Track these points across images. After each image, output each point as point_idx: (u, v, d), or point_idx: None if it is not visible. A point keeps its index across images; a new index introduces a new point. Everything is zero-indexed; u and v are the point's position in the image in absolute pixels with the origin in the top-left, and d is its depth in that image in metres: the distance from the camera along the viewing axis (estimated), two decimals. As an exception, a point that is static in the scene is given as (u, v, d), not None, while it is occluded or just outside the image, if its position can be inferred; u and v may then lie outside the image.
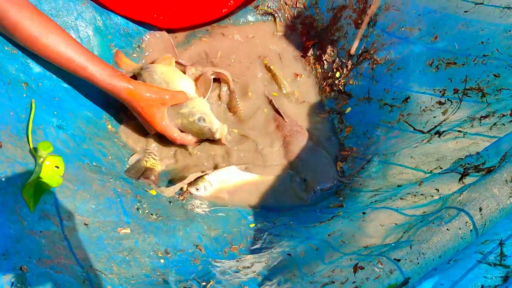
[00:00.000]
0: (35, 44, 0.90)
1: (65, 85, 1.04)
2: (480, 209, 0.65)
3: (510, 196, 0.65)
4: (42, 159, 0.78)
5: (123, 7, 1.22)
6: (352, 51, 1.23)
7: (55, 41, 0.92)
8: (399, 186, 0.93)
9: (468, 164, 0.79)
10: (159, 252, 0.85)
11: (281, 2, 1.43)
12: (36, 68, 0.97)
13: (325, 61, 1.32)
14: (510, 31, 0.91)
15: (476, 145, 0.86)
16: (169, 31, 1.36)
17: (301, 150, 1.18)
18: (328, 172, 1.15)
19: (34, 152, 0.80)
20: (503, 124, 0.84)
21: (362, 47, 1.22)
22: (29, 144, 0.82)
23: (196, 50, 1.36)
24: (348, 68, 1.25)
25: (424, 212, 0.76)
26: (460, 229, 0.65)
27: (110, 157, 1.04)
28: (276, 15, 1.43)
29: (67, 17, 1.08)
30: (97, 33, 1.16)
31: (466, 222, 0.65)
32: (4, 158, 0.75)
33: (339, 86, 1.26)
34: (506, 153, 0.72)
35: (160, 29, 1.34)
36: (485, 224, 0.65)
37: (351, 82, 1.24)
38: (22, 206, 0.71)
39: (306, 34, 1.40)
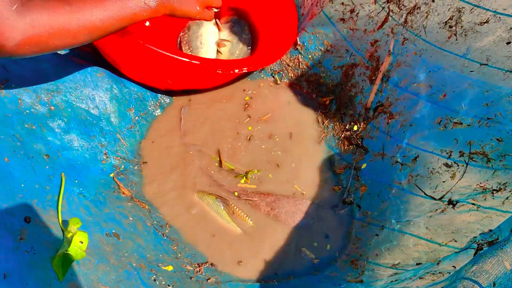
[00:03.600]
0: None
1: (84, 153, 1.18)
2: (494, 284, 0.72)
3: None
4: (71, 233, 0.90)
5: (137, 74, 1.37)
6: (368, 104, 1.34)
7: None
8: (418, 264, 1.00)
9: (482, 240, 0.87)
10: (183, 320, 0.95)
11: (284, 64, 1.56)
12: (55, 140, 1.11)
13: (343, 115, 1.42)
14: None
15: (489, 219, 0.94)
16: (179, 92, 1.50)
17: (293, 213, 1.28)
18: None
19: (62, 226, 0.93)
20: None
21: (378, 101, 1.32)
22: (58, 217, 0.95)
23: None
24: (365, 122, 1.35)
25: (442, 287, 0.83)
26: None
27: (131, 218, 1.16)
28: (277, 76, 1.57)
29: (85, 88, 1.23)
30: (114, 100, 1.31)
31: None
32: (33, 232, 0.87)
33: (357, 140, 1.36)
34: None
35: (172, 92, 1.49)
36: None
37: (368, 136, 1.33)
38: (53, 279, 0.83)
39: (316, 91, 1.51)
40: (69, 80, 1.19)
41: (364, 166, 1.32)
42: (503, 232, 0.84)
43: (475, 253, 0.86)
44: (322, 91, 1.50)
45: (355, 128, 1.37)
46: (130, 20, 0.97)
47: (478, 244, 0.87)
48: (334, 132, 1.42)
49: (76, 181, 1.10)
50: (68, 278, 0.86)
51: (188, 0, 1.08)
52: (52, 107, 1.13)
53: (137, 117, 1.38)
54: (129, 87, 1.37)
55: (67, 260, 0.87)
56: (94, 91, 1.25)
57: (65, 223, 0.95)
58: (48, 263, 0.85)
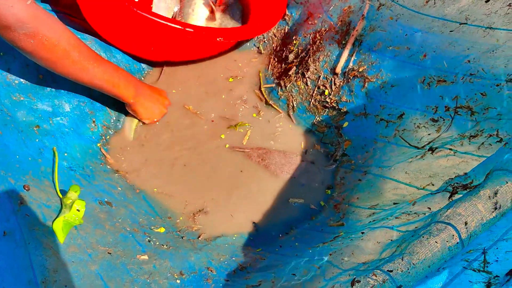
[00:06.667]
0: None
1: (74, 119, 1.24)
2: (466, 223, 0.78)
3: (493, 211, 0.78)
4: (70, 200, 0.95)
5: (125, 43, 1.40)
6: (338, 69, 1.37)
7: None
8: (395, 203, 1.07)
9: (457, 183, 0.92)
10: (175, 274, 1.02)
11: (270, 34, 1.60)
12: (45, 107, 1.17)
13: (308, 79, 1.45)
14: (493, 51, 1.05)
15: (465, 163, 1.00)
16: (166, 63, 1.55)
17: (282, 165, 1.36)
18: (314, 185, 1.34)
19: (60, 193, 1.00)
20: (490, 144, 0.99)
21: (349, 65, 1.35)
22: (55, 186, 1.02)
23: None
24: (337, 86, 1.39)
25: (416, 227, 0.89)
26: (447, 241, 0.78)
27: (119, 188, 1.22)
28: (261, 46, 1.62)
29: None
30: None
31: (453, 235, 0.78)
32: (32, 199, 0.93)
33: (332, 104, 1.40)
34: (490, 171, 0.86)
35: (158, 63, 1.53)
36: (470, 236, 0.77)
37: (344, 100, 1.37)
38: (54, 241, 0.89)
39: (285, 59, 1.54)
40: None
41: (346, 124, 1.37)
42: (477, 176, 0.89)
43: (450, 196, 0.91)
44: (289, 58, 1.53)
45: (326, 93, 1.41)
46: (108, 84, 1.16)
47: (453, 188, 0.92)
48: (301, 96, 1.46)
49: (66, 154, 1.16)
50: (68, 242, 0.92)
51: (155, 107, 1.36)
52: (41, 76, 1.17)
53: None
54: (117, 56, 1.41)
55: (67, 225, 0.93)
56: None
57: (63, 192, 1.02)
58: (48, 227, 0.91)
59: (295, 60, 1.50)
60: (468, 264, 0.72)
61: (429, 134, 1.15)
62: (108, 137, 1.34)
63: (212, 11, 1.58)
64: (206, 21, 1.60)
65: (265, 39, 1.61)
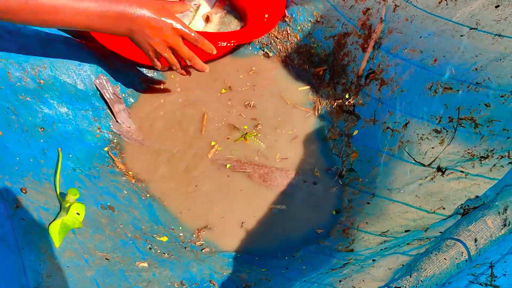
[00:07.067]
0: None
1: (78, 126, 1.22)
2: (475, 240, 0.76)
3: (502, 228, 0.76)
4: (69, 203, 0.94)
5: (125, 50, 1.38)
6: (360, 72, 1.38)
7: None
8: (406, 231, 1.05)
9: (468, 206, 0.90)
10: (175, 284, 1.00)
11: (272, 36, 1.59)
12: (50, 112, 1.15)
13: (336, 84, 1.45)
14: (500, 60, 1.03)
15: (477, 186, 0.98)
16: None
17: (284, 186, 1.32)
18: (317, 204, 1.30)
19: (60, 197, 0.98)
20: (502, 166, 0.97)
21: (369, 68, 1.35)
22: (56, 189, 1.00)
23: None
24: (357, 89, 1.39)
25: (426, 249, 0.87)
26: (456, 259, 0.76)
27: (125, 192, 1.20)
28: (267, 49, 1.61)
29: (70, 63, 1.26)
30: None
31: (462, 253, 0.76)
32: (29, 202, 0.92)
33: (349, 108, 1.40)
34: (502, 188, 0.84)
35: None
36: (479, 253, 0.76)
37: (360, 103, 1.37)
38: (49, 246, 0.88)
39: (309, 63, 1.54)
40: (55, 55, 1.23)
41: (355, 132, 1.35)
42: (488, 198, 0.87)
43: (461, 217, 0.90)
44: (314, 61, 1.53)
45: (347, 96, 1.41)
46: (87, 17, 0.95)
47: (464, 210, 0.90)
48: (327, 101, 1.46)
49: (70, 155, 1.14)
50: (64, 246, 0.90)
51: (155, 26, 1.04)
52: (42, 81, 1.17)
53: (123, 94, 1.41)
54: (115, 63, 1.40)
55: (64, 228, 0.91)
56: (79, 67, 1.29)
57: (62, 195, 1.00)
58: (44, 231, 0.89)
59: (323, 65, 1.51)
60: (475, 278, 0.70)
61: (432, 148, 1.13)
62: (116, 140, 1.33)
63: (210, 14, 1.58)
64: (205, 23, 1.59)
65: (267, 43, 1.60)
